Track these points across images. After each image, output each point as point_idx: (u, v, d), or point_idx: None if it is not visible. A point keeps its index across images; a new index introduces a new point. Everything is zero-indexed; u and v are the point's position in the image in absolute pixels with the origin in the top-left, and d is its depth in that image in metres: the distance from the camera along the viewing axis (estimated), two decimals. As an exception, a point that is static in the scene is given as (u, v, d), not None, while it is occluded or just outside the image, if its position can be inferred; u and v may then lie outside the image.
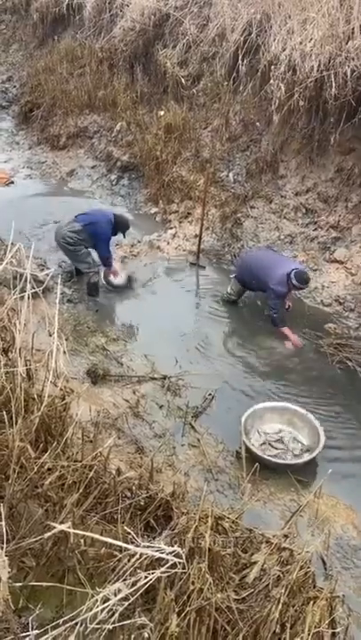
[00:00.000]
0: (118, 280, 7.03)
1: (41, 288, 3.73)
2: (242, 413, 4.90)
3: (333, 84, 6.77)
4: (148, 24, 9.94)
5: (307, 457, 4.68)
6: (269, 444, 4.87)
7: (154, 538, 2.88)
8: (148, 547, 2.27)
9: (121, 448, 4.54)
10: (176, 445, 4.78)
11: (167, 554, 2.18)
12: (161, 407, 5.19)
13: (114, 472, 3.34)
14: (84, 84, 10.70)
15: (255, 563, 2.89)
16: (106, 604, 2.04)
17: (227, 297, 6.79)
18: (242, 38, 8.33)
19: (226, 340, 6.30)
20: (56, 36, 12.57)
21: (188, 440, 4.88)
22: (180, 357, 5.78)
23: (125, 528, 2.67)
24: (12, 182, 9.57)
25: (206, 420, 5.12)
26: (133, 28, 10.20)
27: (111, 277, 6.98)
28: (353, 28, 6.90)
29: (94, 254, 6.86)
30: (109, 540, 2.19)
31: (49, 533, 2.38)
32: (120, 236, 7.14)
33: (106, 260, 6.83)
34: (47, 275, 5.15)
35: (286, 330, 6.13)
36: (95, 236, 6.65)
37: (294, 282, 5.95)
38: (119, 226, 6.86)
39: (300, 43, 7.27)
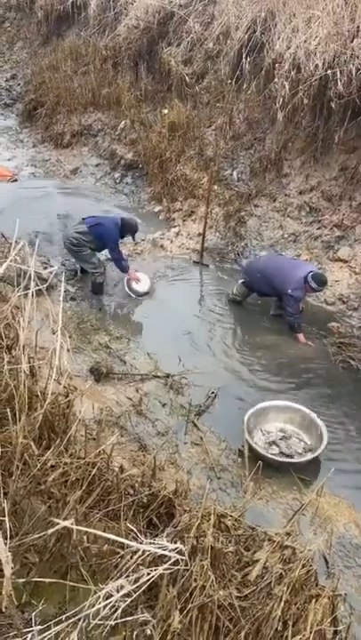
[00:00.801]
0: (142, 287, 6.89)
1: (45, 286, 3.74)
2: (245, 412, 4.90)
3: (338, 83, 6.76)
4: (152, 22, 9.94)
5: (310, 456, 4.68)
6: (274, 442, 4.87)
7: (156, 535, 2.89)
8: (150, 544, 2.28)
9: (124, 446, 4.55)
10: (179, 443, 4.78)
11: (170, 551, 2.19)
12: (164, 405, 5.20)
13: (117, 469, 3.35)
14: (88, 82, 10.70)
15: (257, 560, 2.90)
16: (108, 601, 2.05)
17: (232, 297, 6.79)
18: (246, 36, 8.33)
19: (229, 339, 6.29)
20: (60, 33, 12.58)
21: (191, 438, 4.88)
22: (184, 356, 5.78)
23: (128, 525, 2.68)
24: (16, 180, 9.58)
25: (209, 419, 5.12)
26: (138, 26, 10.20)
27: (134, 285, 6.85)
28: (358, 26, 6.90)
29: (100, 255, 6.86)
30: (112, 537, 2.20)
31: (52, 530, 2.39)
32: (129, 238, 7.11)
33: (119, 264, 6.77)
34: (51, 272, 5.17)
35: (302, 336, 6.15)
36: (101, 237, 6.63)
37: (313, 285, 5.91)
38: (126, 229, 6.79)
39: (305, 41, 7.27)
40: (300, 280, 5.94)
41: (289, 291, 5.96)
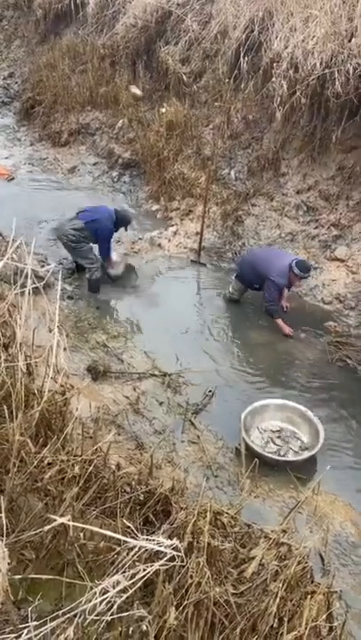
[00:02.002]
0: (115, 270, 7.05)
1: (41, 284, 3.75)
2: (242, 410, 4.92)
3: (336, 82, 6.77)
4: (150, 21, 9.93)
5: (306, 454, 4.69)
6: (270, 440, 4.89)
7: (153, 532, 2.90)
8: (146, 540, 2.29)
9: (121, 444, 4.56)
10: (176, 442, 4.80)
11: (166, 547, 2.20)
12: (161, 404, 5.21)
13: (113, 467, 3.36)
14: (85, 81, 10.68)
15: (253, 557, 2.91)
16: (104, 597, 2.06)
17: (229, 296, 6.81)
18: (244, 36, 8.33)
19: (226, 338, 6.31)
20: (58, 32, 12.54)
21: (188, 437, 4.90)
22: (181, 354, 5.79)
23: (125, 522, 2.69)
24: (13, 178, 9.57)
25: (206, 417, 5.13)
26: (135, 25, 10.18)
27: (109, 269, 7.01)
28: (356, 26, 6.91)
29: (96, 251, 6.89)
30: (108, 533, 2.21)
31: (49, 526, 2.40)
32: (122, 231, 7.15)
33: (105, 254, 6.92)
34: (48, 271, 5.17)
35: (280, 321, 6.23)
36: (97, 233, 6.68)
37: (296, 271, 5.96)
38: (121, 221, 6.89)
39: (303, 40, 7.27)
40: (284, 268, 6.01)
41: (271, 277, 6.04)
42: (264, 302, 6.27)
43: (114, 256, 7.08)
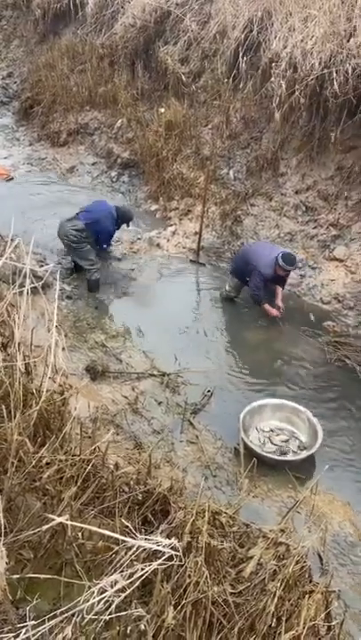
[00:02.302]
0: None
1: (40, 283, 3.74)
2: (240, 410, 4.92)
3: (334, 82, 6.77)
4: (149, 21, 9.93)
5: (305, 454, 4.70)
6: (269, 439, 4.89)
7: (151, 532, 2.90)
8: (145, 540, 2.29)
9: (120, 444, 4.56)
10: (175, 442, 4.80)
11: (164, 547, 2.20)
12: (160, 404, 5.21)
13: (112, 467, 3.35)
14: (84, 81, 10.68)
15: (252, 557, 2.91)
16: (103, 596, 2.06)
17: (226, 294, 6.83)
18: (243, 35, 8.33)
19: (225, 338, 6.31)
20: (57, 32, 12.54)
21: (187, 437, 4.90)
22: (180, 354, 5.79)
23: (123, 521, 2.68)
24: (12, 178, 9.57)
25: (205, 417, 5.14)
26: (134, 25, 10.18)
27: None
28: (355, 26, 6.91)
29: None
30: (107, 533, 2.21)
31: (47, 526, 2.40)
32: (122, 230, 7.17)
33: (104, 250, 7.04)
34: (46, 270, 5.17)
35: (266, 306, 6.41)
36: (98, 233, 6.70)
37: (281, 263, 6.10)
38: (122, 218, 6.91)
39: (302, 40, 7.28)
40: (271, 260, 6.19)
41: (259, 267, 6.24)
42: (250, 291, 6.48)
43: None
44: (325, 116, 7.20)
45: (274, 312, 6.39)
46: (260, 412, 5.05)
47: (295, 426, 5.03)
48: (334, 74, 6.79)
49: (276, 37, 7.71)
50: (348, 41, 6.90)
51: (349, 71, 6.68)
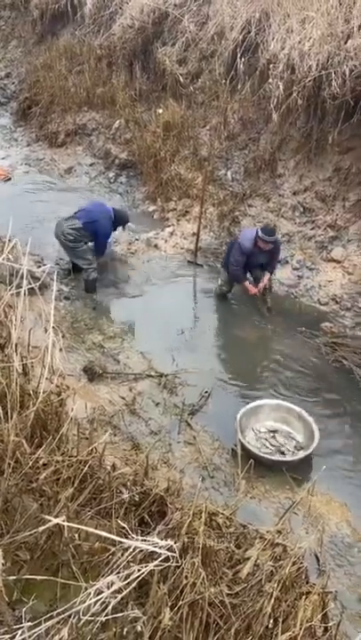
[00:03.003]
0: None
1: (37, 284, 3.74)
2: (237, 411, 4.92)
3: (332, 84, 6.78)
4: (147, 22, 9.93)
5: (302, 454, 4.70)
6: (266, 440, 4.89)
7: (148, 533, 2.90)
8: (142, 541, 2.28)
9: (117, 445, 4.55)
10: (172, 443, 4.80)
11: (160, 548, 2.20)
12: (157, 405, 5.21)
13: (109, 468, 3.35)
14: (82, 82, 10.67)
15: (248, 558, 2.91)
16: (99, 597, 2.06)
17: (219, 290, 6.84)
18: (241, 37, 8.33)
19: (222, 339, 6.31)
20: (55, 32, 12.53)
21: (184, 438, 4.90)
22: (177, 355, 5.79)
23: (119, 522, 2.68)
24: (10, 179, 9.57)
25: (202, 418, 5.13)
26: (132, 26, 10.18)
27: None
28: (352, 28, 6.92)
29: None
30: (103, 534, 2.21)
31: (43, 527, 2.40)
32: (119, 231, 7.15)
33: (101, 253, 6.98)
34: (44, 271, 5.16)
35: (246, 283, 6.51)
36: (96, 233, 6.67)
37: (260, 233, 6.13)
38: (119, 220, 6.88)
39: (299, 42, 7.28)
40: (252, 234, 6.26)
41: (238, 241, 6.33)
42: (230, 268, 6.47)
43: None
44: (323, 118, 7.20)
45: (253, 290, 6.48)
46: (257, 413, 5.05)
47: (292, 426, 5.03)
48: (332, 75, 6.80)
49: (273, 39, 7.71)
50: (346, 43, 6.91)
51: (347, 73, 6.69)
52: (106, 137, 10.07)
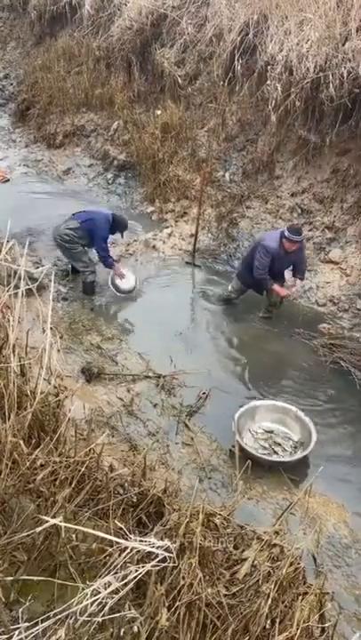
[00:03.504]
0: (126, 284, 6.86)
1: (35, 285, 3.75)
2: (235, 412, 4.92)
3: (330, 86, 6.80)
4: (145, 23, 9.94)
5: (299, 454, 4.70)
6: (264, 441, 4.90)
7: (145, 534, 2.90)
8: (139, 541, 2.29)
9: (115, 446, 4.55)
10: (170, 444, 4.79)
11: (158, 548, 2.20)
12: (155, 406, 5.21)
13: (106, 469, 3.35)
14: (81, 83, 10.69)
15: (246, 559, 2.91)
16: (96, 597, 2.06)
17: (226, 295, 6.76)
18: (239, 38, 8.35)
19: (220, 340, 6.32)
20: (53, 34, 12.55)
21: (182, 439, 4.90)
22: (175, 356, 5.79)
23: (117, 523, 2.68)
24: (8, 180, 9.57)
25: (200, 419, 5.13)
26: (131, 28, 10.19)
27: (118, 281, 6.82)
28: (350, 30, 6.94)
29: (92, 254, 6.86)
30: (101, 534, 2.21)
31: (41, 527, 2.40)
32: (118, 235, 7.11)
33: (105, 260, 6.73)
34: (41, 272, 5.17)
35: (275, 286, 6.15)
36: (92, 233, 6.63)
37: (286, 233, 5.80)
38: (117, 225, 6.81)
39: (297, 44, 7.30)
40: (275, 234, 5.95)
41: (262, 242, 5.97)
42: (255, 273, 6.10)
43: (123, 269, 6.90)
44: (321, 120, 7.23)
45: (284, 292, 6.14)
46: (255, 414, 5.06)
47: (289, 427, 5.03)
48: (330, 77, 6.82)
49: (271, 41, 7.73)
50: (344, 45, 6.94)
51: (345, 75, 6.71)
52: (104, 138, 10.08)
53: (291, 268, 6.38)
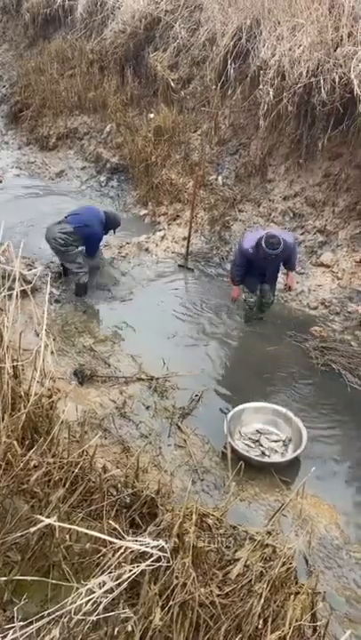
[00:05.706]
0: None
1: (29, 287, 3.75)
2: (228, 414, 4.95)
3: (322, 91, 6.86)
4: (138, 27, 9.99)
5: (290, 456, 4.73)
6: (256, 442, 4.92)
7: (139, 534, 2.91)
8: (133, 541, 2.30)
9: (107, 448, 4.56)
10: (162, 446, 4.80)
11: (152, 548, 2.21)
12: (148, 408, 5.22)
13: (100, 470, 3.36)
14: (74, 86, 10.72)
15: (238, 559, 2.93)
16: (90, 597, 2.07)
17: (246, 305, 6.53)
18: (232, 43, 8.41)
19: (213, 342, 6.34)
20: (47, 36, 12.58)
21: (175, 441, 4.91)
22: (168, 359, 5.80)
23: (111, 523, 2.70)
24: (1, 182, 9.56)
25: (193, 421, 5.15)
26: (124, 31, 10.24)
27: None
28: (341, 36, 7.01)
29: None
30: (95, 534, 2.22)
31: (35, 528, 2.40)
32: (110, 235, 7.17)
33: (92, 254, 6.99)
34: (35, 274, 5.17)
35: (235, 287, 6.46)
36: (87, 237, 6.68)
37: (262, 243, 5.64)
38: (110, 224, 6.89)
39: (290, 49, 7.36)
40: (255, 237, 5.85)
41: (241, 243, 6.07)
42: (231, 265, 6.45)
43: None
44: (313, 124, 7.29)
45: (235, 294, 6.48)
46: (246, 415, 5.08)
47: (280, 428, 5.06)
48: (322, 82, 6.89)
49: (264, 46, 7.80)
50: (336, 50, 7.00)
51: (336, 80, 6.78)
52: (97, 141, 10.11)
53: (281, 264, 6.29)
